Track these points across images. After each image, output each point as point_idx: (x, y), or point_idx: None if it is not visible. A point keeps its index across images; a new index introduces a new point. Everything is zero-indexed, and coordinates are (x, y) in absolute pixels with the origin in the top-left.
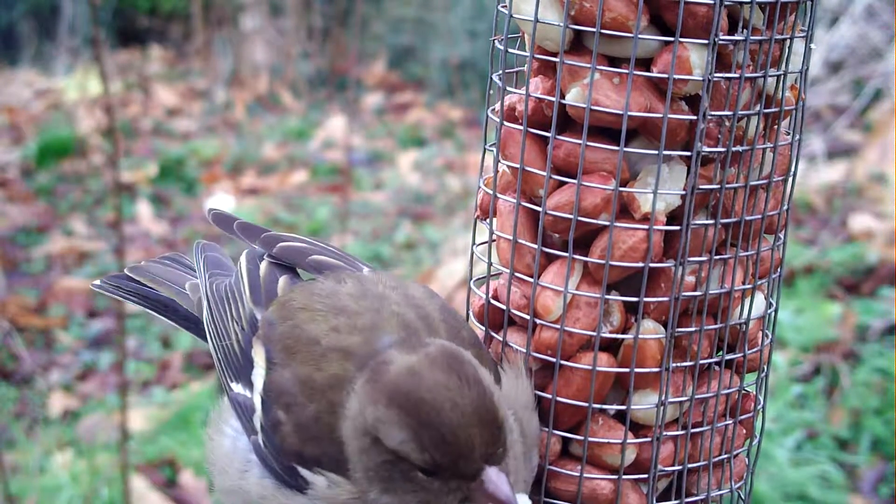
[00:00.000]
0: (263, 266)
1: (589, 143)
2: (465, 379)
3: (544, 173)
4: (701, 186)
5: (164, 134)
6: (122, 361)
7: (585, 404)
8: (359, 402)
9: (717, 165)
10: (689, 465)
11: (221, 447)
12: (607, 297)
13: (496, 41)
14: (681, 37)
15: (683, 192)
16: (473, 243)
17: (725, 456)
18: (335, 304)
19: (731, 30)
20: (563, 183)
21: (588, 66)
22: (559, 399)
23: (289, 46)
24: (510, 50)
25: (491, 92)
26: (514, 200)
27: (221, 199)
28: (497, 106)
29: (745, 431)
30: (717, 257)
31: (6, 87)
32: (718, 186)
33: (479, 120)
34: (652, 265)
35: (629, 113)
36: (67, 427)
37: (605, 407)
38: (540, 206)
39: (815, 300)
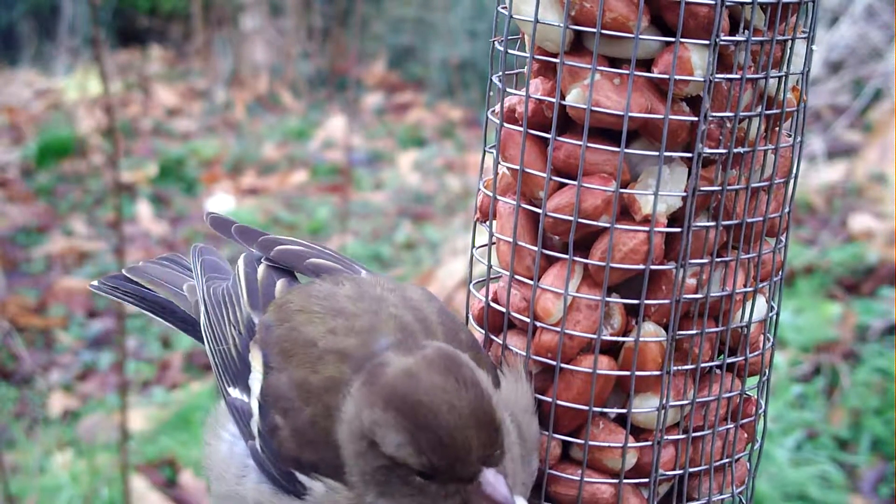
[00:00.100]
0: (261, 269)
1: (589, 145)
2: (462, 381)
3: (544, 175)
4: (702, 188)
5: (164, 134)
6: (122, 361)
7: (586, 408)
8: (355, 405)
9: (719, 167)
10: (691, 470)
11: (218, 452)
12: (608, 299)
13: (496, 42)
14: (682, 37)
15: (684, 194)
16: (473, 246)
17: (727, 460)
18: (332, 306)
19: (733, 30)
20: (564, 185)
21: (588, 66)
22: (559, 402)
23: (289, 46)
24: (510, 51)
25: (491, 93)
26: (514, 202)
27: (221, 199)
28: (497, 107)
29: (746, 435)
30: (719, 260)
31: (6, 87)
32: (720, 188)
33: (479, 120)
34: (653, 267)
35: (630, 114)
36: (67, 427)
37: (605, 410)
38: (540, 207)
39: (815, 300)
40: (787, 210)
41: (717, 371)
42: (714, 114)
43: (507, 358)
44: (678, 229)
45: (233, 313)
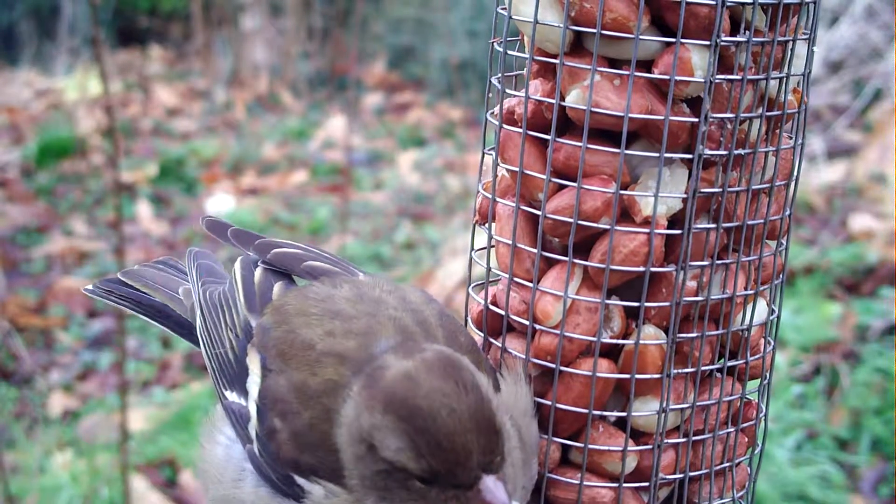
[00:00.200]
0: (258, 273)
1: (589, 146)
2: (463, 385)
3: (544, 177)
4: (703, 190)
5: (164, 134)
6: (122, 361)
7: (585, 411)
8: (354, 408)
9: (719, 169)
10: (691, 474)
11: (215, 456)
12: (608, 302)
13: (495, 43)
14: (682, 38)
15: (685, 196)
16: (472, 248)
17: (727, 464)
18: (331, 307)
19: (733, 31)
20: (563, 186)
21: (588, 67)
22: (559, 406)
23: (289, 46)
24: (510, 52)
25: (490, 95)
26: (514, 204)
27: (221, 199)
28: (496, 109)
29: (746, 439)
30: (719, 262)
31: (6, 87)
32: (720, 190)
33: (479, 120)
34: (653, 270)
35: (630, 115)
36: (67, 427)
37: (605, 414)
38: (539, 209)
39: (815, 300)
40: (787, 213)
41: (718, 374)
42: (714, 115)
43: (506, 361)
44: (678, 231)
45: (230, 316)
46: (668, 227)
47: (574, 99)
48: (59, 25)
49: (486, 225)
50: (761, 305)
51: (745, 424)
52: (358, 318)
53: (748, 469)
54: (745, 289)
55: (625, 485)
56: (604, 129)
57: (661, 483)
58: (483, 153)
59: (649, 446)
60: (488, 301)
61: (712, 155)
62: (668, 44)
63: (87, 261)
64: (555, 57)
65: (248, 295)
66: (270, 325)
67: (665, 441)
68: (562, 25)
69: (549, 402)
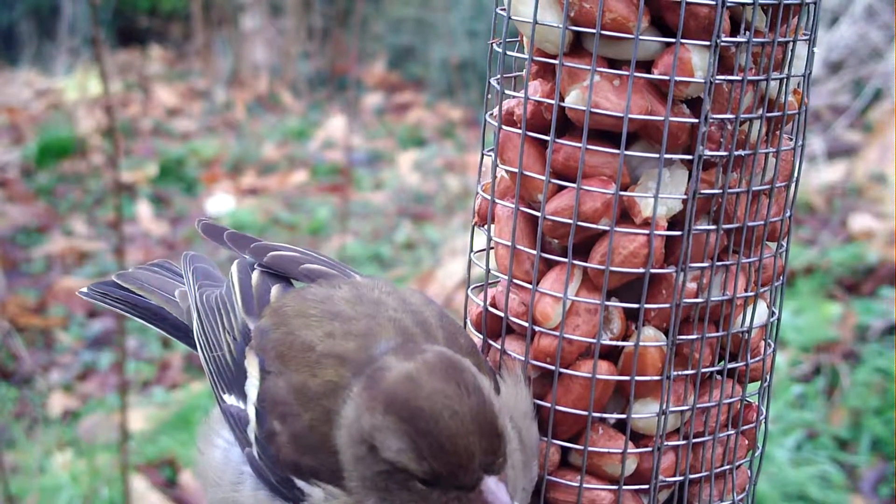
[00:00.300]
0: (255, 275)
1: (589, 147)
2: (465, 386)
3: (543, 178)
4: (703, 191)
5: (164, 134)
6: (122, 361)
7: (585, 413)
8: (355, 409)
9: (719, 170)
10: (691, 476)
11: (213, 459)
12: (607, 303)
13: (494, 44)
14: (682, 38)
15: (685, 197)
16: (471, 250)
17: (727, 467)
18: (330, 309)
19: (734, 31)
20: (563, 187)
21: (588, 68)
22: (558, 408)
23: (289, 46)
24: (509, 52)
25: (489, 96)
26: (513, 206)
27: (221, 199)
28: (495, 110)
29: (747, 442)
30: (719, 264)
31: (6, 87)
32: (720, 191)
33: (478, 120)
34: (653, 271)
35: (630, 116)
36: (67, 427)
37: (605, 416)
38: (539, 211)
39: (815, 300)
40: (788, 214)
41: (718, 377)
42: (715, 116)
43: (505, 363)
44: (678, 233)
45: (227, 319)
46: (668, 229)
47: (573, 99)
48: (59, 25)
49: (486, 226)
50: (761, 307)
51: (745, 427)
52: (357, 320)
53: (748, 472)
54: (746, 290)
55: (624, 487)
56: (603, 130)
57: (660, 486)
58: (482, 154)
59: (649, 449)
60: (487, 303)
61: (712, 156)
62: (668, 44)
63: (87, 261)
64: (554, 57)
65: (246, 298)
66: (269, 327)
67: (665, 443)
68: (561, 26)
69: (548, 405)
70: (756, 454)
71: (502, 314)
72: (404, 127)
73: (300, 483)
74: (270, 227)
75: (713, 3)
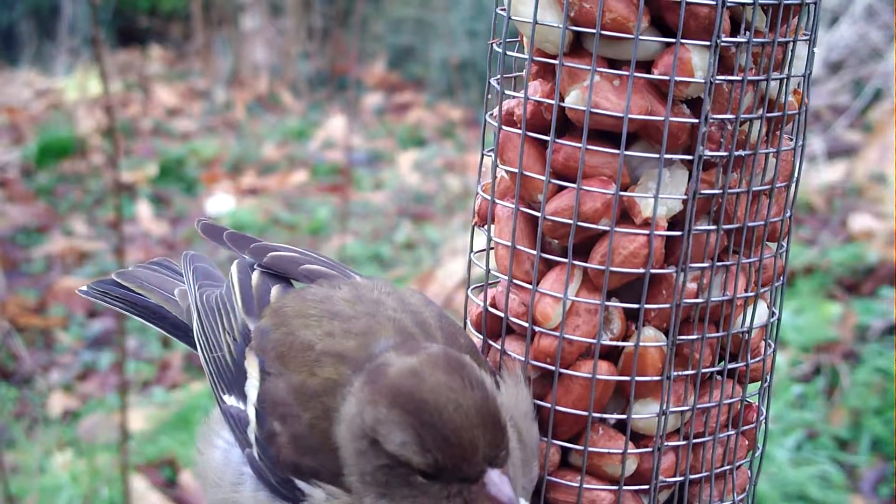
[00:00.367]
0: (255, 276)
1: (589, 147)
2: (468, 380)
3: (543, 178)
4: (703, 191)
5: (164, 134)
6: (122, 361)
7: (585, 413)
8: (356, 403)
9: (720, 170)
10: (691, 477)
11: (213, 460)
12: (607, 303)
13: (494, 44)
14: (682, 38)
15: (685, 197)
16: (471, 250)
17: (728, 467)
18: (329, 309)
19: (734, 32)
20: (563, 188)
21: (588, 68)
22: (558, 408)
23: (289, 46)
24: (509, 53)
25: (489, 96)
26: (513, 206)
27: (221, 199)
28: (495, 110)
29: (747, 442)
30: (720, 264)
31: (6, 87)
32: (721, 191)
33: (479, 120)
34: (653, 271)
35: (630, 116)
36: (67, 427)
37: (605, 416)
38: (539, 211)
39: (815, 300)
40: (788, 214)
41: (718, 377)
42: (715, 116)
43: (505, 363)
44: (678, 233)
45: (227, 320)
46: (668, 229)
47: (573, 100)
48: (59, 25)
49: (486, 226)
50: (762, 308)
51: (745, 427)
52: (357, 319)
53: (748, 472)
54: (746, 291)
55: (625, 488)
56: (603, 130)
57: (661, 486)
58: (482, 154)
59: (649, 449)
60: (487, 303)
61: (712, 156)
62: (668, 44)
63: (87, 261)
64: (554, 57)
65: (246, 298)
66: (269, 327)
67: (665, 444)
68: (561, 26)
69: (548, 405)
70: (756, 454)
71: (502, 314)
72: (404, 127)
73: (301, 484)
74: (270, 227)
75: (713, 3)
